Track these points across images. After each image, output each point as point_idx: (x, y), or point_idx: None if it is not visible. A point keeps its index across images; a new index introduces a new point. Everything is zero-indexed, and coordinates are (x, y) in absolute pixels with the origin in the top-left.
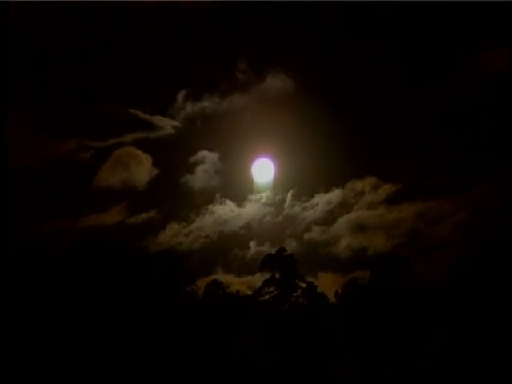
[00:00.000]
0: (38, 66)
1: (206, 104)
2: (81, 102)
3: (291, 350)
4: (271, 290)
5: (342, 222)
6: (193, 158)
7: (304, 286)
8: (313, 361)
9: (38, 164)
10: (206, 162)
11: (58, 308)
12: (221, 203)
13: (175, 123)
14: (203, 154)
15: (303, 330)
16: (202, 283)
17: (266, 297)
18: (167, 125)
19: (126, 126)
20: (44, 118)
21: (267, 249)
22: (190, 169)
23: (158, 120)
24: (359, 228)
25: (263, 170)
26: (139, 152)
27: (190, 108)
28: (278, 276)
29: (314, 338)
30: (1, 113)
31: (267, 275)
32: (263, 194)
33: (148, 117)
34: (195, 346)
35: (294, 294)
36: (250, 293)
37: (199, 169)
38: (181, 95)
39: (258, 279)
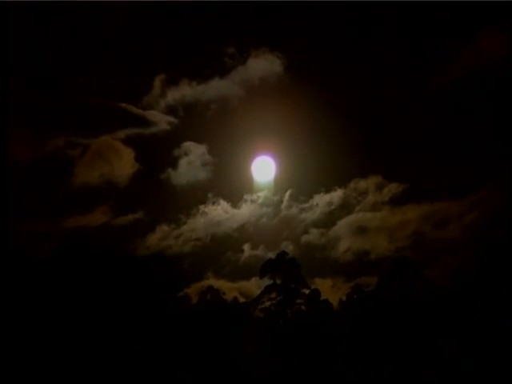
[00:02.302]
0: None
1: (189, 91)
2: (67, 96)
3: (293, 361)
4: (272, 296)
5: (343, 224)
6: (179, 151)
7: (307, 292)
8: (316, 372)
9: (21, 163)
10: (191, 155)
11: (41, 317)
12: (213, 203)
13: (170, 118)
14: (189, 146)
15: (306, 339)
16: (193, 289)
17: (267, 304)
18: (161, 120)
19: (117, 122)
20: (28, 113)
21: (262, 252)
22: (175, 163)
23: (152, 115)
24: (361, 230)
25: (262, 168)
26: (120, 145)
27: (170, 96)
28: (279, 282)
29: (318, 348)
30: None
31: (267, 281)
32: (260, 194)
33: (141, 111)
34: (190, 356)
35: (297, 301)
36: (241, 299)
37: (184, 162)
38: (158, 80)
39: (253, 285)
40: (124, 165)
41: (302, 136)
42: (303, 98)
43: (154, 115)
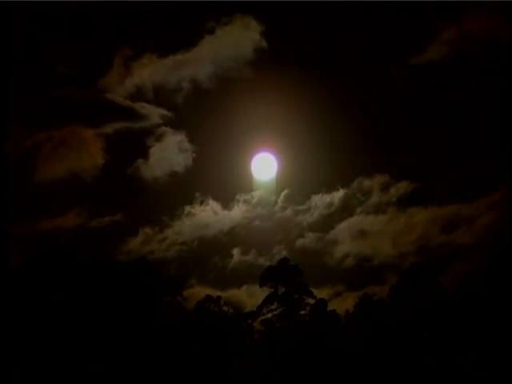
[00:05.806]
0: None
1: (160, 70)
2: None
3: (296, 375)
4: (274, 307)
5: (342, 228)
6: (152, 141)
7: (312, 302)
8: None
9: None
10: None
11: (16, 331)
12: (202, 203)
13: (164, 111)
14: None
15: (310, 352)
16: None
17: (269, 315)
18: (153, 113)
19: (105, 115)
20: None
21: (253, 258)
22: (147, 154)
23: (141, 107)
24: (361, 234)
25: (262, 166)
26: (89, 131)
27: (136, 76)
28: (281, 291)
29: (323, 362)
30: None
31: (260, 289)
32: (254, 194)
33: (129, 103)
34: (183, 373)
35: (301, 312)
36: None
37: (157, 151)
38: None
39: (243, 293)
40: (93, 156)
41: (298, 128)
42: (299, 88)
43: (145, 108)
